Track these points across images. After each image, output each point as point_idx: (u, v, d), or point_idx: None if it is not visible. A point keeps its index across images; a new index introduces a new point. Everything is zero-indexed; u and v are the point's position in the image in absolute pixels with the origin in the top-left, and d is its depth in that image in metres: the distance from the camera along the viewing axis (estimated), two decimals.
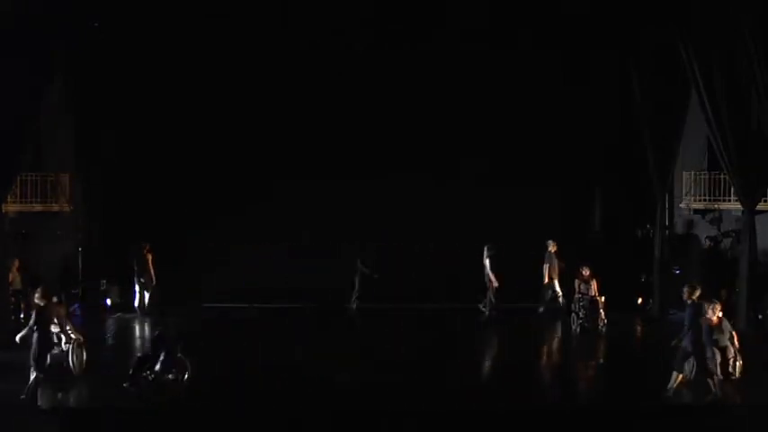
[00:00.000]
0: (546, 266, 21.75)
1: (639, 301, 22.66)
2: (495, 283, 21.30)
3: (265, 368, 16.44)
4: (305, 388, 15.03)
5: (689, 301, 14.49)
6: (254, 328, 20.78)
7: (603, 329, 19.74)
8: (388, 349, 18.27)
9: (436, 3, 22.23)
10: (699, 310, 14.26)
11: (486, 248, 21.48)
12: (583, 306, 19.94)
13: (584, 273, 20.22)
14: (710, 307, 14.50)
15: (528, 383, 15.91)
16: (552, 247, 21.92)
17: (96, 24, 21.40)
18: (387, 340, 19.48)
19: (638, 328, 21.29)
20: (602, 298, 19.95)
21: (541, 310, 22.14)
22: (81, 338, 15.46)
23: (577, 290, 20.23)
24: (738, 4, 19.01)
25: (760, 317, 20.38)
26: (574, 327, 20.09)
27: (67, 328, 15.23)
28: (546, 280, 21.81)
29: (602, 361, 18.15)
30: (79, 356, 15.32)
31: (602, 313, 19.78)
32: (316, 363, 16.87)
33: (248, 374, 16.01)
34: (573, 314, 20.28)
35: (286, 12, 22.10)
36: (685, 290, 14.70)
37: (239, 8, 21.80)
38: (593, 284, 20.08)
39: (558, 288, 21.61)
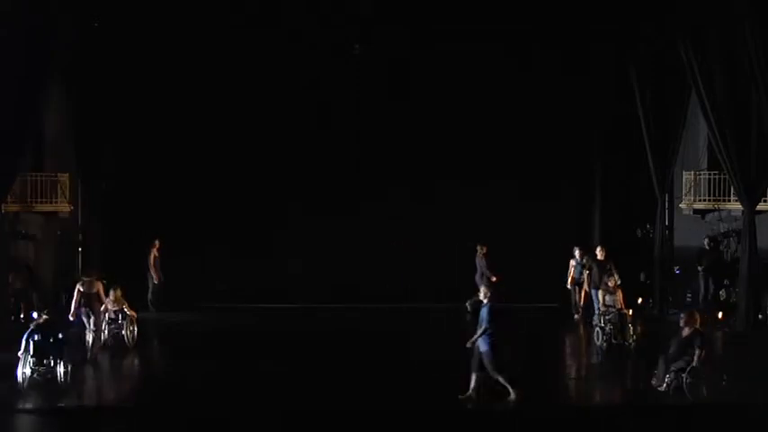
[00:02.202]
0: (586, 274, 20.53)
1: (639, 301, 22.62)
2: (585, 289, 20.72)
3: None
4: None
5: (485, 301, 14.09)
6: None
7: (633, 345, 17.75)
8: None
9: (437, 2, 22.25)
10: (495, 309, 13.94)
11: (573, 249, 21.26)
12: (609, 320, 17.91)
13: (609, 283, 18.37)
14: (683, 319, 14.39)
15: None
16: (600, 254, 20.37)
17: (96, 24, 21.40)
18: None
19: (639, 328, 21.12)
20: (630, 311, 18.25)
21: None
22: (134, 315, 17.99)
23: (602, 302, 18.36)
24: (738, 4, 19.01)
25: (760, 317, 20.39)
26: (599, 343, 18.05)
27: (124, 306, 17.86)
28: (584, 290, 20.73)
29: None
30: (132, 331, 17.88)
31: (631, 328, 17.83)
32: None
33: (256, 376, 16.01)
34: (597, 329, 18.21)
35: (285, 14, 22.09)
36: (482, 289, 14.32)
37: (239, 9, 21.79)
38: (619, 295, 18.20)
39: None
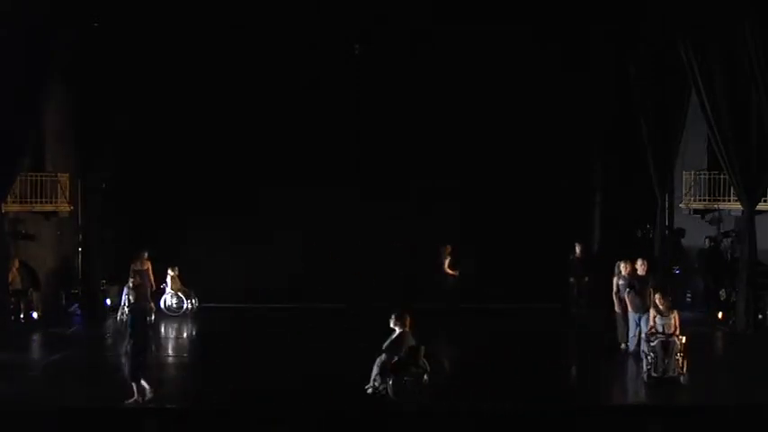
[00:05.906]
0: (626, 293, 17.09)
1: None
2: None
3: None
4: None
5: (133, 302, 14.48)
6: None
7: (684, 379, 15.04)
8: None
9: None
10: (141, 314, 14.34)
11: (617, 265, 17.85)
12: (653, 348, 15.11)
13: (660, 302, 15.49)
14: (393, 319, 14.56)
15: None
16: (641, 269, 17.22)
17: (96, 24, 21.40)
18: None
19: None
20: (684, 338, 15.19)
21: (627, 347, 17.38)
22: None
23: (652, 324, 15.48)
24: (738, 4, 19.01)
25: (760, 317, 20.39)
26: (643, 372, 15.35)
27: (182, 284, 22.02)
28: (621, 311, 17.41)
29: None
30: (193, 303, 21.98)
31: (681, 358, 15.03)
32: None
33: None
34: (643, 354, 15.53)
35: (285, 14, 22.10)
36: (131, 292, 14.77)
37: (239, 8, 21.81)
38: (674, 318, 15.42)
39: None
